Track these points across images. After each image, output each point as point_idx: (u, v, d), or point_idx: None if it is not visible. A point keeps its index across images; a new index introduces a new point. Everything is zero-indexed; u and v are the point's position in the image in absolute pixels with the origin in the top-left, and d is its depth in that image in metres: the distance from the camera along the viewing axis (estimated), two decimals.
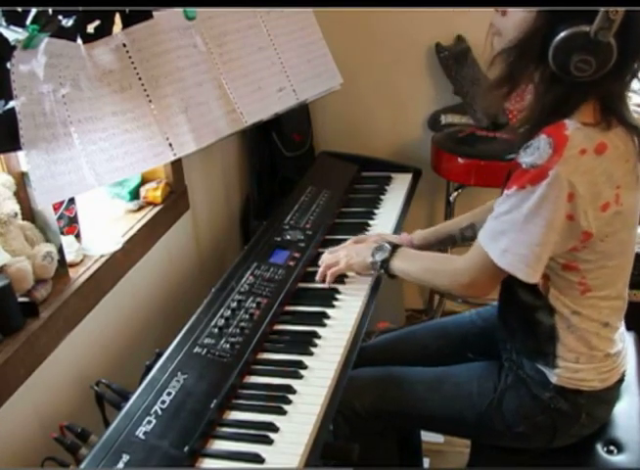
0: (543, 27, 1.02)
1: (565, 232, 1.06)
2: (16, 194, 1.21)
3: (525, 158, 1.05)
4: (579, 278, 1.14)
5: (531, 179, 1.03)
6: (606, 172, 1.04)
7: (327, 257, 1.45)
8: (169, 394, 1.07)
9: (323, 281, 1.42)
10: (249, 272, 1.42)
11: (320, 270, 1.43)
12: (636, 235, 1.17)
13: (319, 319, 1.32)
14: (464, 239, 1.50)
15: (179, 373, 1.11)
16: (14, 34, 1.00)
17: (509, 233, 1.08)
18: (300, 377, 1.16)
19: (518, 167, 1.07)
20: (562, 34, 0.99)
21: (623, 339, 1.27)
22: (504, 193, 1.09)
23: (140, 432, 0.99)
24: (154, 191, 1.59)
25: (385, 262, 1.33)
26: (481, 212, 1.47)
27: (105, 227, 1.48)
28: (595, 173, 1.03)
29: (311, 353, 1.22)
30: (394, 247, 1.34)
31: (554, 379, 1.20)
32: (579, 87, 1.03)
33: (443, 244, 1.55)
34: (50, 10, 1.05)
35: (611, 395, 1.25)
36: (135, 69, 1.21)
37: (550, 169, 1.01)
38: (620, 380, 1.26)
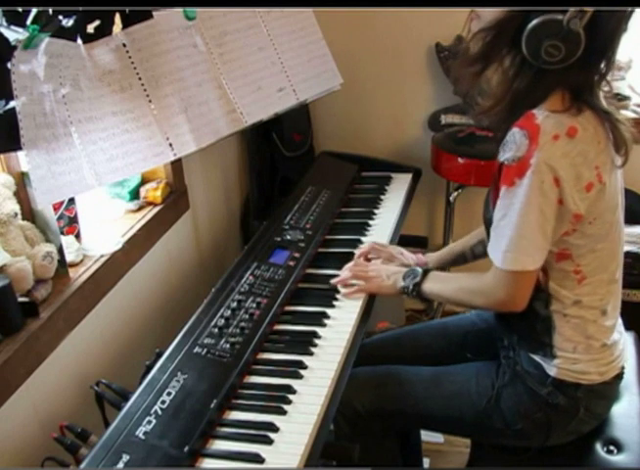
0: (520, 13, 1.06)
1: (557, 217, 1.10)
2: (16, 194, 1.21)
3: (505, 154, 1.09)
4: (574, 266, 1.16)
5: (517, 172, 1.07)
6: (582, 154, 1.08)
7: (354, 267, 1.43)
8: (169, 394, 1.07)
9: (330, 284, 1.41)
10: (249, 272, 1.42)
11: (345, 276, 1.41)
12: (621, 217, 1.20)
13: (319, 319, 1.32)
14: (475, 257, 1.51)
15: (179, 373, 1.11)
16: (14, 34, 1.00)
17: (508, 233, 1.10)
18: (300, 377, 1.16)
19: (502, 167, 1.10)
20: (536, 20, 1.04)
21: (620, 330, 1.28)
22: (499, 198, 1.12)
23: (140, 432, 0.99)
24: (154, 191, 1.59)
25: (417, 286, 1.32)
26: None
27: (105, 227, 1.48)
28: (572, 155, 1.07)
29: (311, 353, 1.22)
30: (425, 271, 1.33)
31: (553, 371, 1.21)
32: (547, 75, 1.08)
33: (456, 263, 1.56)
34: (50, 10, 1.05)
35: (609, 390, 1.26)
36: (135, 69, 1.21)
37: (531, 158, 1.05)
38: (619, 376, 1.26)
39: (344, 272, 1.43)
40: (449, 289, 1.31)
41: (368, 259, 1.51)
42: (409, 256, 1.52)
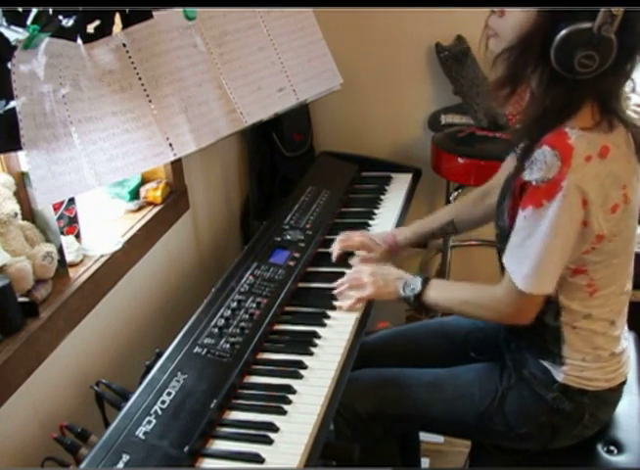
0: (544, 26, 1.02)
1: (579, 238, 1.07)
2: (16, 194, 1.21)
3: (534, 175, 1.04)
4: (587, 280, 1.14)
5: (546, 194, 1.03)
6: (612, 174, 1.05)
7: (349, 276, 1.39)
8: (169, 394, 1.07)
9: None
10: (249, 272, 1.42)
11: (342, 288, 1.37)
12: (636, 231, 1.18)
13: (319, 319, 1.32)
14: (445, 233, 1.53)
15: (179, 373, 1.11)
16: (14, 34, 1.00)
17: (533, 256, 1.07)
18: (300, 377, 1.16)
19: (528, 186, 1.06)
20: (564, 31, 0.99)
21: (627, 337, 1.28)
22: (520, 214, 1.08)
23: (140, 432, 0.99)
24: (154, 191, 1.59)
25: (417, 297, 1.28)
26: (462, 207, 1.49)
27: (105, 227, 1.48)
28: (601, 177, 1.04)
29: (311, 353, 1.22)
30: (425, 279, 1.29)
31: (560, 377, 1.20)
32: (578, 87, 1.04)
33: (425, 240, 1.57)
34: (50, 10, 1.05)
35: (614, 397, 1.26)
36: (135, 69, 1.21)
37: (562, 181, 1.01)
38: (624, 382, 1.26)
39: (341, 282, 1.39)
40: (454, 301, 1.27)
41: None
42: (378, 238, 1.52)
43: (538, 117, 1.08)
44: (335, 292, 1.38)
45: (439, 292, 1.28)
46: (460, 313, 1.31)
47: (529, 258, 1.08)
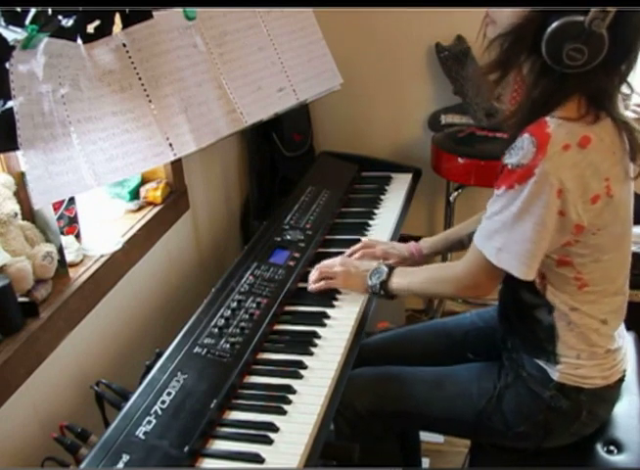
0: (537, 17, 1.03)
1: (557, 228, 1.07)
2: (16, 194, 1.21)
3: (511, 159, 1.06)
4: (575, 273, 1.15)
5: (519, 179, 1.05)
6: (592, 165, 1.05)
7: (321, 266, 1.43)
8: (169, 394, 1.07)
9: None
10: (249, 272, 1.42)
11: (314, 276, 1.41)
12: (632, 229, 1.18)
13: (319, 319, 1.32)
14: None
15: (179, 373, 1.11)
16: (13, 34, 1.00)
17: (502, 232, 1.09)
18: (300, 377, 1.16)
19: (504, 168, 1.08)
20: (556, 23, 1.00)
21: (623, 335, 1.28)
22: (494, 193, 1.11)
23: (140, 432, 0.99)
24: (154, 191, 1.59)
25: (383, 284, 1.32)
26: None
27: (105, 227, 1.48)
28: (581, 166, 1.04)
29: (311, 353, 1.22)
30: (391, 268, 1.33)
31: (555, 376, 1.21)
32: (568, 81, 1.04)
33: (452, 250, 1.56)
34: (49, 10, 1.05)
35: (612, 394, 1.26)
36: (135, 69, 1.21)
37: (536, 168, 1.03)
38: (621, 379, 1.26)
39: (313, 272, 1.42)
40: (417, 281, 1.31)
41: None
42: (401, 247, 1.52)
43: (527, 107, 1.09)
44: (309, 287, 1.40)
45: (403, 277, 1.32)
46: (423, 294, 1.34)
47: (499, 234, 1.09)
